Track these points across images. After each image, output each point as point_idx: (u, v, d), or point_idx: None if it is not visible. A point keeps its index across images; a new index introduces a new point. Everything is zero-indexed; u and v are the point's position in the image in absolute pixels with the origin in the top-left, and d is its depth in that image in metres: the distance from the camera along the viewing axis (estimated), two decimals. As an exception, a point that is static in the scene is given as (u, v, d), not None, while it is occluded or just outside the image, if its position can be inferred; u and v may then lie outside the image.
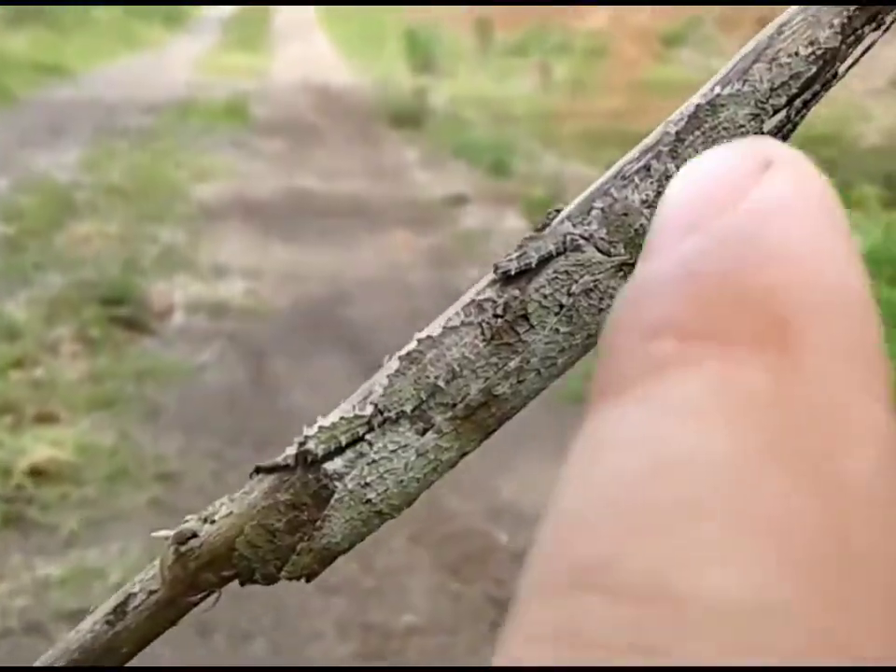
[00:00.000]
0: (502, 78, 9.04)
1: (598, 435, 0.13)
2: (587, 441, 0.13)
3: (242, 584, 0.30)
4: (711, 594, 0.11)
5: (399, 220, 4.87)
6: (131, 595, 0.30)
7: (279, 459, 0.28)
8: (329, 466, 0.28)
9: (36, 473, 2.43)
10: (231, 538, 0.28)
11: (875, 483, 0.12)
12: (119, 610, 0.30)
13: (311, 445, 0.28)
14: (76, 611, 1.98)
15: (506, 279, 0.28)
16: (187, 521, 0.29)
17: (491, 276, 0.28)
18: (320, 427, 0.28)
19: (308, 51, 12.20)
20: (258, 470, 0.29)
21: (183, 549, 0.29)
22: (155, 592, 0.29)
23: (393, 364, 0.28)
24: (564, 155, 6.09)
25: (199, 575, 0.29)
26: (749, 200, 0.14)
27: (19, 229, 4.35)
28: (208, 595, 0.29)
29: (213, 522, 0.29)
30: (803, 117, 0.28)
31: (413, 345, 0.28)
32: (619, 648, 0.11)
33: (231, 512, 0.29)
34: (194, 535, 0.29)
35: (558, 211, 0.28)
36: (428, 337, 0.27)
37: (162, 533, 0.30)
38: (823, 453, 0.12)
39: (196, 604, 0.29)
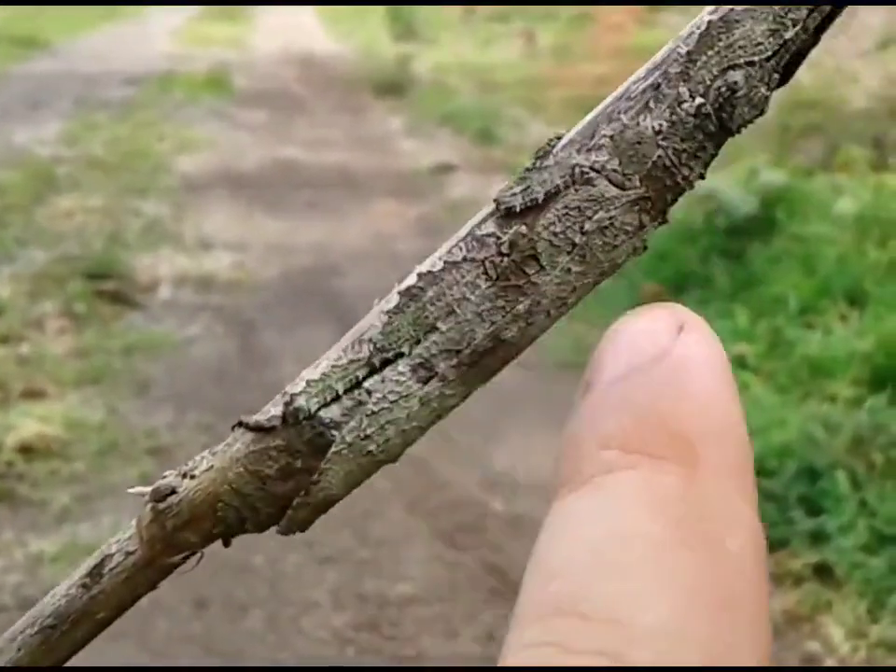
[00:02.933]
0: (486, 46, 8.95)
1: (565, 514, 0.19)
2: (557, 518, 0.19)
3: (226, 544, 0.27)
4: (644, 622, 0.17)
5: (385, 190, 4.84)
6: (107, 557, 0.28)
7: (262, 419, 0.26)
8: (325, 413, 0.25)
9: (25, 449, 2.41)
10: (213, 493, 0.26)
11: (744, 554, 0.19)
12: (95, 573, 0.28)
13: (301, 402, 0.25)
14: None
15: (509, 213, 0.25)
16: (165, 476, 0.27)
17: (491, 208, 0.26)
18: (308, 382, 0.25)
19: (290, 20, 12.05)
20: (240, 424, 0.26)
21: (161, 506, 0.27)
22: (132, 553, 0.27)
23: (391, 300, 0.25)
24: (550, 122, 6.05)
25: (178, 534, 0.27)
26: (670, 356, 0.20)
27: (0, 204, 4.30)
28: (189, 557, 0.27)
29: (193, 477, 0.27)
30: (825, 30, 0.26)
31: (412, 280, 0.25)
32: (590, 652, 0.17)
33: (212, 466, 0.26)
34: (173, 491, 0.27)
35: (559, 138, 0.25)
36: (429, 272, 0.25)
37: (139, 489, 0.27)
38: (713, 535, 0.18)
39: (177, 566, 0.27)
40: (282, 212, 4.45)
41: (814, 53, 0.27)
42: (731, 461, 0.19)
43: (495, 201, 0.26)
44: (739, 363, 2.81)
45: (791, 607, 1.92)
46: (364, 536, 2.08)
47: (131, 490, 0.28)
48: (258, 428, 0.26)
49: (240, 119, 6.44)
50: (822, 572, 1.99)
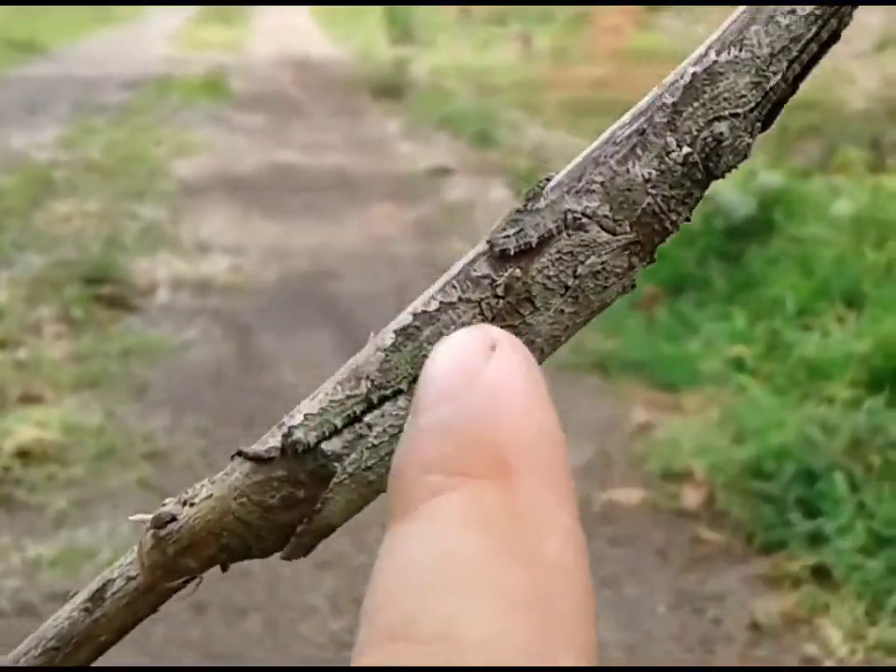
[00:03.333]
0: (483, 48, 8.96)
1: (396, 541, 0.20)
2: (389, 546, 0.20)
3: (224, 569, 0.28)
4: (474, 637, 0.19)
5: (383, 193, 4.84)
6: (109, 582, 0.29)
7: (261, 450, 0.27)
8: (327, 446, 0.26)
9: (23, 454, 2.41)
10: (212, 520, 0.27)
11: (562, 557, 0.20)
12: (97, 597, 0.29)
13: (299, 435, 0.26)
14: (67, 592, 1.97)
15: (503, 255, 0.26)
16: (165, 504, 0.28)
17: (484, 248, 0.26)
18: (306, 416, 0.26)
19: (286, 23, 12.06)
20: (239, 454, 0.27)
21: (162, 533, 0.28)
22: (133, 578, 0.28)
23: (387, 338, 0.26)
24: (548, 124, 6.05)
25: (178, 560, 0.28)
26: (483, 377, 0.22)
27: (-3, 208, 4.30)
28: (189, 582, 0.28)
29: (192, 504, 0.28)
30: (803, 80, 0.27)
31: (408, 320, 0.26)
32: None
33: (211, 494, 0.28)
34: (173, 518, 0.28)
35: (548, 180, 0.27)
36: (424, 312, 0.26)
37: (140, 517, 0.28)
38: (531, 544, 0.20)
39: (176, 590, 0.28)
40: (279, 215, 4.45)
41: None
42: (545, 470, 0.21)
43: (488, 242, 0.26)
44: (737, 365, 2.81)
45: (790, 609, 1.91)
46: (361, 542, 2.08)
47: (132, 518, 0.29)
48: (256, 459, 0.27)
49: (237, 123, 6.44)
50: (820, 574, 1.99)
